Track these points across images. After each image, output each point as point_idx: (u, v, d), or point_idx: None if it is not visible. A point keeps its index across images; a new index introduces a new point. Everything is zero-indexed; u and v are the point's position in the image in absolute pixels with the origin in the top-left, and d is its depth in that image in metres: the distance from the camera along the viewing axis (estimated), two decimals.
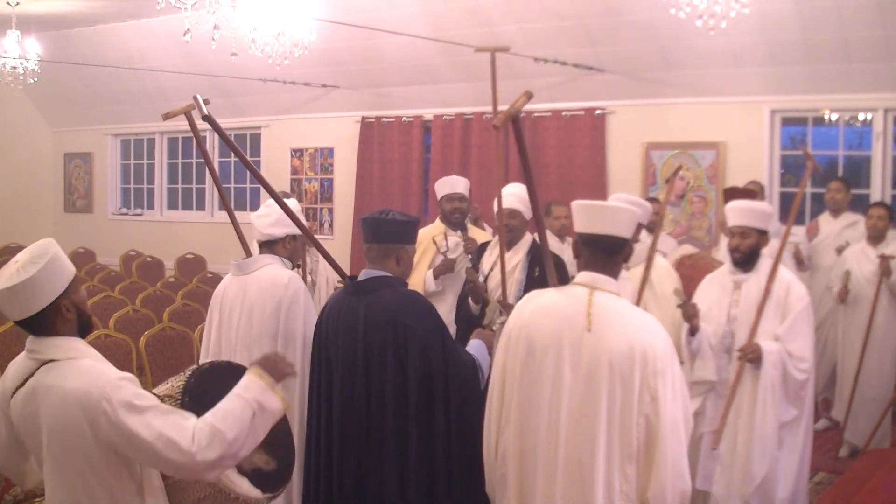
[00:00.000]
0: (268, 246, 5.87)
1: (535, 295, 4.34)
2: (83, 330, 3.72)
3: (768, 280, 5.90)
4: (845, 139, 11.12)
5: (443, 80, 12.68)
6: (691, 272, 6.87)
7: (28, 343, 3.65)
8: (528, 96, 4.33)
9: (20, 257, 3.60)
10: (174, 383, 4.07)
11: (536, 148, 12.33)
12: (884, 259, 8.37)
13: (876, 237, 8.66)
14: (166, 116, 6.38)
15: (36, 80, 12.95)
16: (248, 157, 15.82)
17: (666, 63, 10.97)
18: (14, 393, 3.62)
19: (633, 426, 3.87)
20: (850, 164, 11.03)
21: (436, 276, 7.86)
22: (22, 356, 3.70)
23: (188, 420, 3.48)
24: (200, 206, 16.92)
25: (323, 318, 5.05)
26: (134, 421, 3.39)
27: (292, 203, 5.91)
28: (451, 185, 8.21)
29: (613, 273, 4.16)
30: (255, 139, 15.83)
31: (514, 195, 6.71)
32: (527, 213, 6.78)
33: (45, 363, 3.56)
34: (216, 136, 16.22)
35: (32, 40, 12.64)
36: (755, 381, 5.78)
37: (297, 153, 15.08)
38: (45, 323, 3.59)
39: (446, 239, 7.97)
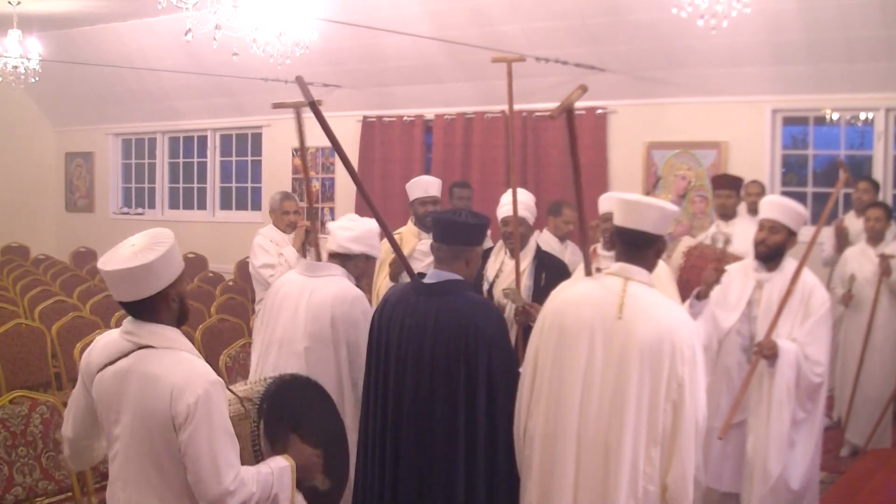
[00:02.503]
0: (340, 258, 5.74)
1: (570, 283, 4.58)
2: (180, 321, 3.83)
3: (792, 280, 5.83)
4: (847, 139, 11.12)
5: (445, 79, 12.68)
6: (700, 262, 6.79)
7: (125, 324, 3.76)
8: (584, 89, 4.47)
9: (137, 241, 3.71)
10: (254, 387, 4.18)
11: (538, 147, 12.34)
12: (884, 259, 8.36)
13: (875, 238, 8.65)
14: (276, 106, 6.28)
15: (37, 79, 12.94)
16: (249, 157, 15.89)
17: (667, 63, 10.97)
18: (102, 369, 3.70)
19: (660, 412, 4.05)
20: (852, 164, 11.03)
21: (393, 279, 7.47)
22: (115, 335, 3.79)
23: (237, 460, 3.62)
24: (202, 206, 16.92)
25: (383, 315, 4.99)
26: (203, 430, 3.51)
27: (373, 223, 5.81)
28: (425, 187, 7.99)
29: (647, 266, 4.36)
30: (257, 138, 15.83)
31: (520, 203, 6.61)
32: (531, 219, 6.77)
33: (141, 347, 3.66)
34: (217, 135, 16.27)
35: (34, 40, 12.64)
36: (771, 380, 5.75)
37: (299, 153, 15.05)
38: (150, 308, 3.70)
39: (420, 241, 7.81)
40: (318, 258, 6.08)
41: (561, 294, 4.47)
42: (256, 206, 15.81)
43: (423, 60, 12.39)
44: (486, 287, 6.71)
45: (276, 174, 15.23)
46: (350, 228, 5.72)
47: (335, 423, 4.61)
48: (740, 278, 6.18)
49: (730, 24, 8.34)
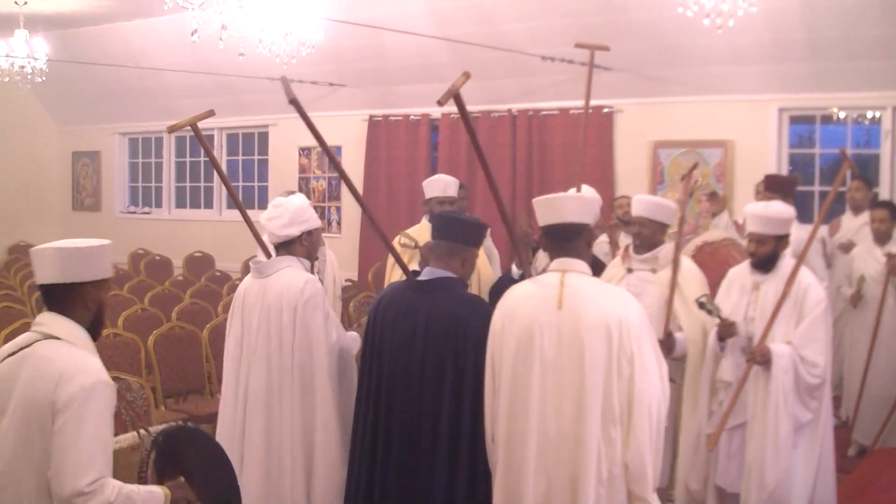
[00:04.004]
0: (284, 247, 5.73)
1: (513, 288, 4.62)
2: (93, 329, 3.83)
3: (787, 283, 5.84)
4: (853, 137, 11.12)
5: (450, 78, 12.46)
6: (710, 261, 6.77)
7: (38, 318, 3.81)
8: (467, 76, 4.78)
9: (82, 240, 3.81)
10: (160, 426, 4.17)
11: (543, 146, 12.34)
12: (891, 258, 8.35)
13: (881, 238, 8.63)
14: (171, 129, 6.32)
15: (44, 79, 12.97)
16: (256, 156, 15.90)
17: (673, 61, 10.97)
18: (4, 359, 3.74)
19: (614, 390, 4.11)
20: (859, 163, 11.00)
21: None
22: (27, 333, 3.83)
23: (104, 467, 3.51)
24: (208, 205, 16.94)
25: (378, 312, 5.06)
26: (76, 422, 3.47)
27: (299, 198, 5.81)
28: (443, 187, 7.88)
29: (582, 256, 4.45)
30: (263, 138, 15.84)
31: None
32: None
33: (46, 337, 3.69)
34: (224, 135, 16.29)
35: (40, 39, 12.66)
36: (767, 385, 5.75)
37: (305, 152, 15.10)
38: (65, 299, 3.75)
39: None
40: (266, 256, 6.06)
41: (507, 297, 4.55)
42: (263, 205, 15.78)
43: (429, 59, 12.39)
44: (516, 269, 6.71)
45: (283, 173, 15.24)
46: (278, 216, 5.68)
47: (229, 487, 4.31)
48: (737, 287, 6.20)
49: (735, 23, 8.34)
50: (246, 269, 13.55)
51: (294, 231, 5.68)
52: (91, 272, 3.75)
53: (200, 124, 6.18)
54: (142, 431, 4.00)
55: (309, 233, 5.78)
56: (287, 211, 5.68)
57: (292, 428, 5.43)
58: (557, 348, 4.20)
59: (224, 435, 5.65)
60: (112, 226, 17.86)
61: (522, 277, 6.47)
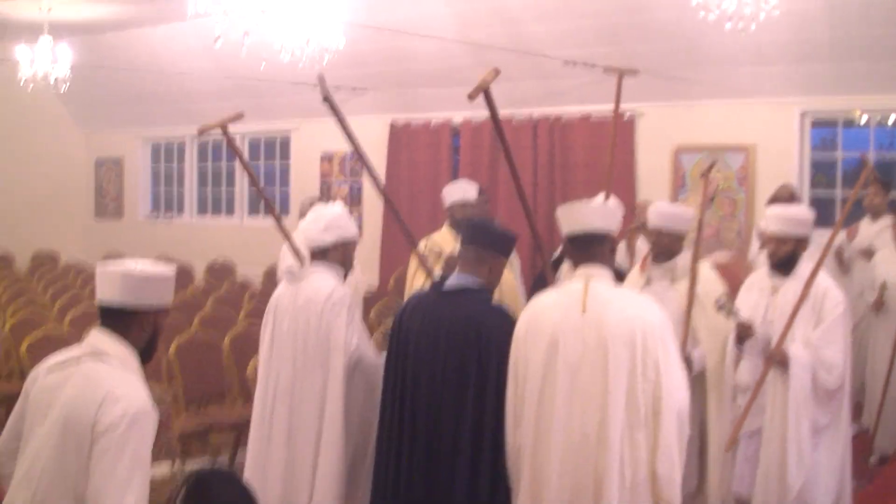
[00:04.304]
0: (320, 254, 5.75)
1: (537, 297, 4.62)
2: (144, 353, 3.81)
3: (805, 285, 5.82)
4: (876, 140, 11.05)
5: (471, 82, 12.57)
6: (724, 273, 6.77)
7: (91, 333, 3.78)
8: (497, 72, 4.87)
9: (144, 262, 3.85)
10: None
11: (565, 149, 12.31)
12: None
13: None
14: (201, 130, 6.34)
15: (68, 85, 13.02)
16: (278, 161, 15.93)
17: (695, 64, 10.93)
18: (52, 369, 3.71)
19: (639, 393, 4.11)
20: (881, 166, 10.96)
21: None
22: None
23: (141, 497, 3.47)
24: (230, 211, 16.98)
25: (403, 319, 5.07)
26: (117, 448, 3.42)
27: (338, 206, 5.83)
28: (463, 191, 7.91)
29: (605, 264, 4.47)
30: (285, 143, 15.88)
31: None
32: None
33: (96, 354, 3.66)
34: (246, 140, 16.33)
35: (64, 45, 12.72)
36: (785, 387, 5.72)
37: (327, 157, 15.10)
38: (123, 322, 3.73)
39: (457, 244, 7.74)
40: (301, 263, 6.08)
41: (531, 306, 4.57)
42: (284, 210, 15.83)
43: (450, 63, 12.38)
44: None
45: (305, 178, 15.26)
46: (316, 221, 5.73)
47: None
48: (756, 290, 6.19)
49: (757, 26, 8.31)
50: (268, 276, 13.63)
51: (329, 238, 5.70)
52: (153, 299, 3.75)
53: (219, 129, 6.21)
54: (176, 465, 3.95)
55: (344, 242, 5.79)
56: (324, 217, 5.72)
57: (310, 430, 5.47)
58: (581, 352, 4.21)
59: (255, 436, 5.76)
60: (134, 232, 17.95)
61: None
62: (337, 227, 5.73)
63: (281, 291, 5.88)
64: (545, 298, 4.55)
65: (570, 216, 4.54)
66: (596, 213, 4.54)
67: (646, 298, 4.55)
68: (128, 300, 3.69)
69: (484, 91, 4.54)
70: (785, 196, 9.43)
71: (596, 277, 4.37)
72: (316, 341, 5.51)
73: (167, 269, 3.81)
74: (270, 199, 6.43)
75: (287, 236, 6.37)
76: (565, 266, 6.99)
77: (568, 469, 4.19)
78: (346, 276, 5.87)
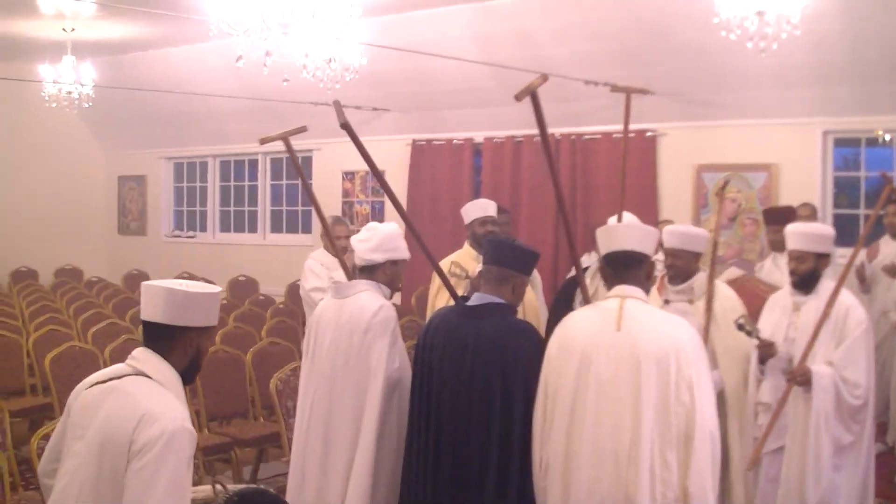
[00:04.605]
0: (367, 271, 5.72)
1: (571, 314, 4.67)
2: (187, 374, 3.79)
3: (827, 304, 5.81)
4: None
5: (493, 103, 12.70)
6: (739, 295, 6.76)
7: (134, 352, 3.75)
8: (545, 78, 4.75)
9: (191, 281, 3.77)
10: (239, 486, 4.02)
11: (587, 170, 12.32)
12: None
13: None
14: (263, 141, 6.33)
15: (90, 104, 13.13)
16: (300, 180, 15.99)
17: (716, 84, 10.94)
18: (92, 386, 3.71)
19: (671, 415, 4.09)
20: None
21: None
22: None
23: None
24: (252, 229, 17.03)
25: (428, 337, 5.07)
26: (154, 468, 3.39)
27: (391, 227, 5.79)
28: (483, 207, 7.89)
29: (641, 285, 4.48)
30: (307, 162, 15.91)
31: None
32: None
33: (137, 373, 3.64)
34: (268, 159, 16.39)
35: (87, 65, 12.84)
36: (807, 406, 5.71)
37: (349, 176, 15.15)
38: (165, 339, 3.70)
39: (479, 263, 7.76)
40: (349, 278, 6.09)
41: (565, 323, 4.57)
42: (307, 228, 15.90)
43: (472, 84, 12.42)
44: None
45: (326, 197, 15.27)
46: (368, 240, 5.69)
47: None
48: (778, 308, 6.19)
49: (779, 46, 8.31)
50: (290, 293, 13.68)
51: (379, 257, 5.66)
52: (197, 318, 3.71)
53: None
54: (218, 487, 3.92)
55: (394, 262, 5.75)
56: (377, 236, 5.67)
57: (344, 449, 5.45)
58: (614, 369, 4.21)
59: (296, 449, 5.76)
60: (157, 250, 18.03)
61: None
62: (388, 247, 5.67)
63: (325, 305, 5.85)
64: (579, 315, 4.59)
65: (610, 235, 4.58)
66: (636, 233, 4.57)
67: (680, 319, 4.51)
68: (171, 318, 3.66)
69: (531, 95, 4.54)
70: (806, 214, 9.43)
71: (631, 297, 4.38)
72: (357, 359, 5.48)
73: (212, 288, 3.78)
74: (323, 214, 6.37)
75: (338, 254, 6.40)
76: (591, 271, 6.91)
77: (599, 487, 4.17)
78: (391, 295, 5.83)
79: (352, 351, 5.50)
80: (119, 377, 3.66)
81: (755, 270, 9.12)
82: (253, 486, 4.17)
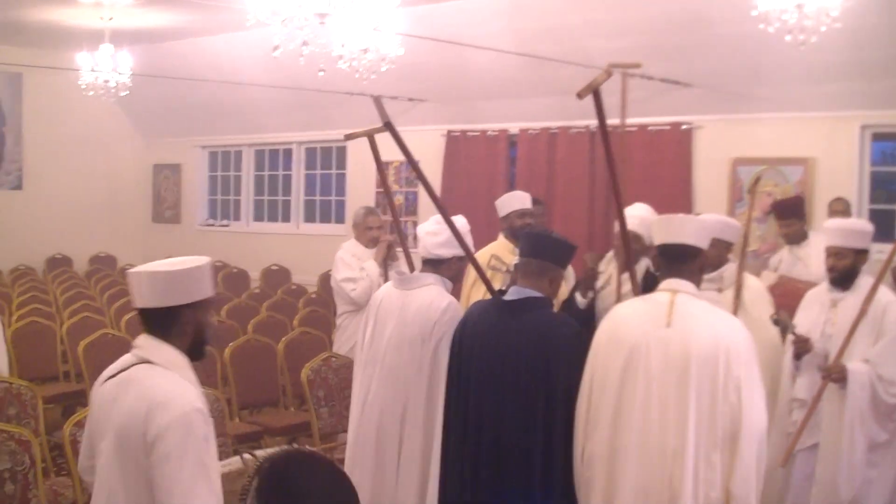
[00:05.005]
0: (432, 264, 5.68)
1: (620, 305, 4.70)
2: (194, 353, 3.73)
3: (865, 300, 5.77)
4: None
5: (528, 94, 12.66)
6: (780, 300, 6.71)
7: (136, 340, 3.72)
8: (609, 73, 4.76)
9: (175, 258, 3.70)
10: (269, 451, 3.97)
11: (622, 163, 12.23)
12: None
13: None
14: (348, 137, 6.28)
15: (128, 92, 13.18)
16: (334, 170, 16.01)
17: (754, 77, 10.85)
18: (105, 381, 3.70)
19: (718, 415, 4.10)
20: None
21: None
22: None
23: (210, 497, 3.42)
24: (286, 218, 17.05)
25: (465, 332, 5.04)
26: (175, 456, 3.38)
27: (460, 221, 5.73)
28: (521, 200, 7.83)
29: (692, 279, 4.48)
30: (341, 152, 15.93)
31: (636, 217, 6.44)
32: (647, 238, 6.30)
33: (143, 362, 3.62)
34: (302, 149, 16.41)
35: (125, 53, 12.87)
36: (842, 403, 5.67)
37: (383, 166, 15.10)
38: (161, 324, 3.65)
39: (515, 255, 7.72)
40: (411, 269, 6.06)
41: (613, 314, 4.60)
42: (340, 219, 15.90)
43: (507, 75, 12.39)
44: (581, 298, 6.64)
45: (360, 187, 15.29)
46: (437, 233, 5.64)
47: None
48: (816, 305, 6.16)
49: (817, 39, 8.24)
50: (322, 283, 13.69)
51: (446, 253, 5.64)
52: (186, 295, 3.61)
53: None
54: (246, 456, 3.87)
55: (460, 258, 5.74)
56: (446, 230, 5.60)
57: (417, 441, 5.41)
58: (664, 366, 4.21)
59: (351, 438, 5.76)
60: (191, 238, 18.09)
61: (591, 307, 6.45)
62: (457, 244, 5.62)
63: (387, 292, 5.82)
64: (628, 307, 4.60)
65: (666, 226, 4.59)
66: (692, 226, 4.57)
67: (732, 318, 4.52)
68: (160, 300, 3.60)
69: (594, 92, 4.51)
70: (840, 209, 9.33)
71: (682, 291, 4.38)
72: (422, 351, 5.43)
73: (195, 262, 3.66)
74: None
75: (403, 242, 6.64)
76: (603, 293, 6.81)
77: (643, 481, 4.19)
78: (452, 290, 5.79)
79: (415, 345, 5.45)
80: (127, 368, 3.64)
81: (770, 266, 9.01)
82: (282, 448, 4.09)
